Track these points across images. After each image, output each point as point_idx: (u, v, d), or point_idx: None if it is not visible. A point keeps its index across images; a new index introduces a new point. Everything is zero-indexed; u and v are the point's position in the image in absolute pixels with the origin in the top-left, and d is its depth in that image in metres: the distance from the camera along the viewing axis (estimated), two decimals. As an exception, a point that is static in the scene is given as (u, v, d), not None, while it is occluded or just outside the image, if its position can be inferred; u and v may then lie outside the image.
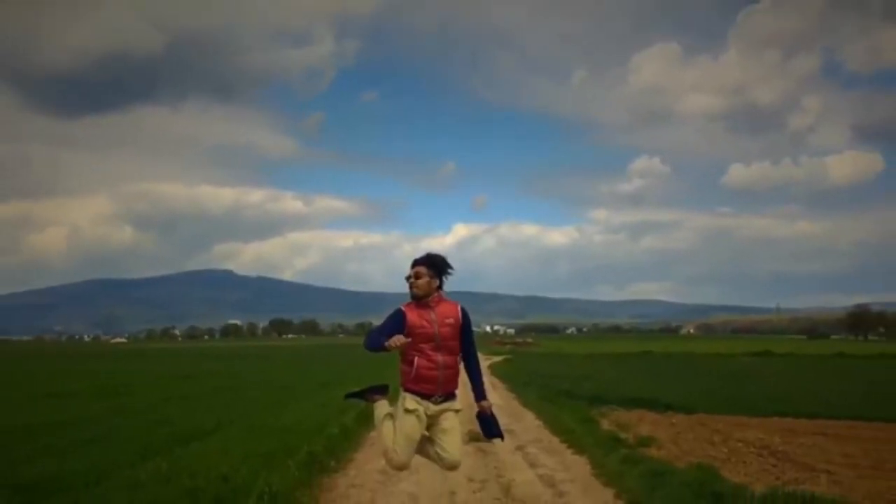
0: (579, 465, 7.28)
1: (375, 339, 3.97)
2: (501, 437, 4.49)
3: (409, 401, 4.12)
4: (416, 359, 4.09)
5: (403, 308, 4.15)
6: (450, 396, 4.22)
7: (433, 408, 4.15)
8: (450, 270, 4.23)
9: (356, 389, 4.58)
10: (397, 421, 4.19)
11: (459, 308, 4.23)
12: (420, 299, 4.16)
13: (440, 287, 4.21)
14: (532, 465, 7.36)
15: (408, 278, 4.18)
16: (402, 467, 4.26)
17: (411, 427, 4.12)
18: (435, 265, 4.19)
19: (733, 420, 11.71)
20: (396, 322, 4.07)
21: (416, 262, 4.21)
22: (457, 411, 4.26)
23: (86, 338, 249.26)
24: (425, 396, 4.13)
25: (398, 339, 3.87)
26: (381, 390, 4.50)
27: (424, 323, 4.09)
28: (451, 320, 4.16)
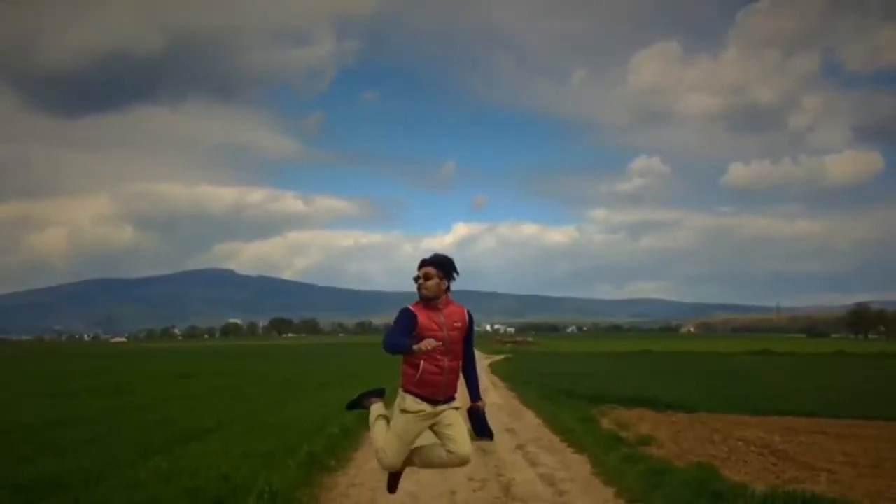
0: (579, 464, 7.28)
1: (398, 341, 3.87)
2: (490, 436, 4.47)
3: (410, 402, 4.06)
4: (422, 362, 3.97)
5: (412, 308, 4.03)
6: (450, 399, 4.17)
7: (433, 410, 4.09)
8: (455, 274, 4.13)
9: (353, 397, 4.58)
10: (392, 421, 4.17)
11: (466, 312, 4.15)
12: (429, 301, 4.06)
13: (448, 289, 4.12)
14: (532, 463, 7.37)
15: (416, 279, 4.06)
16: (391, 468, 4.22)
17: (404, 428, 4.08)
18: (444, 266, 4.08)
19: (733, 419, 11.70)
20: (408, 322, 3.95)
21: (424, 263, 4.09)
22: (456, 409, 4.24)
23: (86, 337, 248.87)
24: (427, 400, 4.06)
25: (430, 343, 3.81)
26: (377, 394, 4.53)
27: (434, 325, 3.98)
28: (458, 324, 4.07)
